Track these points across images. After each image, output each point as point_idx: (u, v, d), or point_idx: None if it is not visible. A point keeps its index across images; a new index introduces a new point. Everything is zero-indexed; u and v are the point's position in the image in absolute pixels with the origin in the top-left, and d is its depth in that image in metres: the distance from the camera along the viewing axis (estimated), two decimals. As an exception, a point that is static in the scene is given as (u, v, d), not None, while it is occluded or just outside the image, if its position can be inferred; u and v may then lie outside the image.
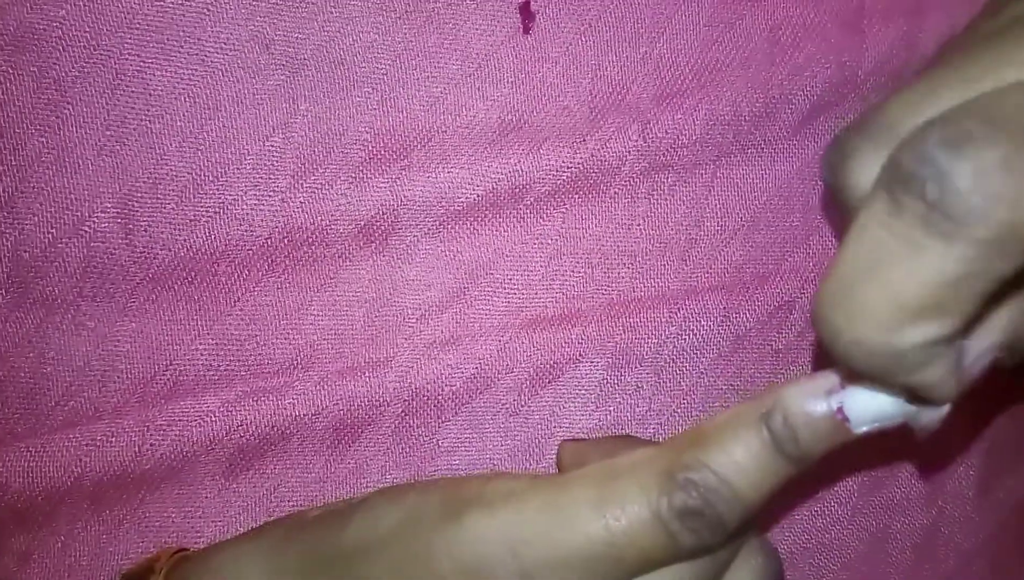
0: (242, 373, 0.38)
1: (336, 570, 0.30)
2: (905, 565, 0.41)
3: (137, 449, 0.37)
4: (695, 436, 0.27)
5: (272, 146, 0.36)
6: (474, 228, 0.37)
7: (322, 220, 0.37)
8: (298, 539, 0.32)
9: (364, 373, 0.38)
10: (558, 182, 0.37)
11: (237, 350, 0.37)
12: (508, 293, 0.38)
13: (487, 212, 0.37)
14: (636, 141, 0.37)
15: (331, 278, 0.37)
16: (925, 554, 0.41)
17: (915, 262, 0.23)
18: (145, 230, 0.36)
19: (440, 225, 0.37)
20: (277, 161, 0.36)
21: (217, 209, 0.36)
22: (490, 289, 0.38)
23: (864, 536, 0.41)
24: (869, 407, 0.26)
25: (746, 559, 0.31)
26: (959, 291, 0.23)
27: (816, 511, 0.40)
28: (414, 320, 0.38)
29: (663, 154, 0.37)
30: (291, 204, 0.36)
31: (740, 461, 0.26)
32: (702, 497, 0.26)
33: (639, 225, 0.38)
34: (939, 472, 0.41)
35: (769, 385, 0.29)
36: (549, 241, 0.38)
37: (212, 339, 0.37)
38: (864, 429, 0.26)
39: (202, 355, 0.37)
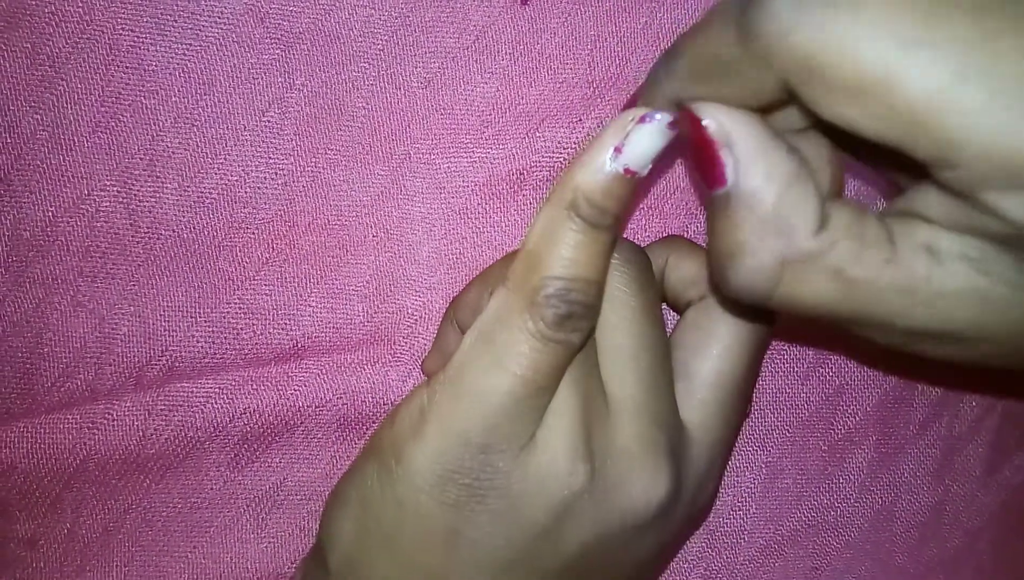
0: (239, 362, 0.36)
1: None
2: (910, 544, 0.39)
3: (141, 434, 0.35)
4: (528, 262, 0.28)
5: (269, 121, 0.34)
6: (477, 227, 0.35)
7: (324, 205, 0.34)
8: None
9: (365, 369, 0.36)
10: (555, 164, 0.35)
11: (234, 339, 0.35)
12: None
13: (488, 205, 0.35)
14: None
15: (332, 270, 0.35)
16: (930, 533, 0.39)
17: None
18: (149, 211, 0.34)
19: (443, 222, 0.35)
20: (275, 139, 0.34)
21: (221, 190, 0.34)
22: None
23: (869, 514, 0.38)
24: (643, 149, 0.27)
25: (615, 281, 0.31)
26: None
27: (824, 487, 0.38)
28: (414, 320, 0.36)
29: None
30: (293, 188, 0.34)
31: (573, 256, 0.28)
32: (564, 301, 0.28)
33: (640, 209, 0.36)
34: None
35: (557, 180, 0.28)
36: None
37: (209, 326, 0.35)
38: (649, 167, 0.28)
39: (198, 342, 0.35)
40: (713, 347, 0.32)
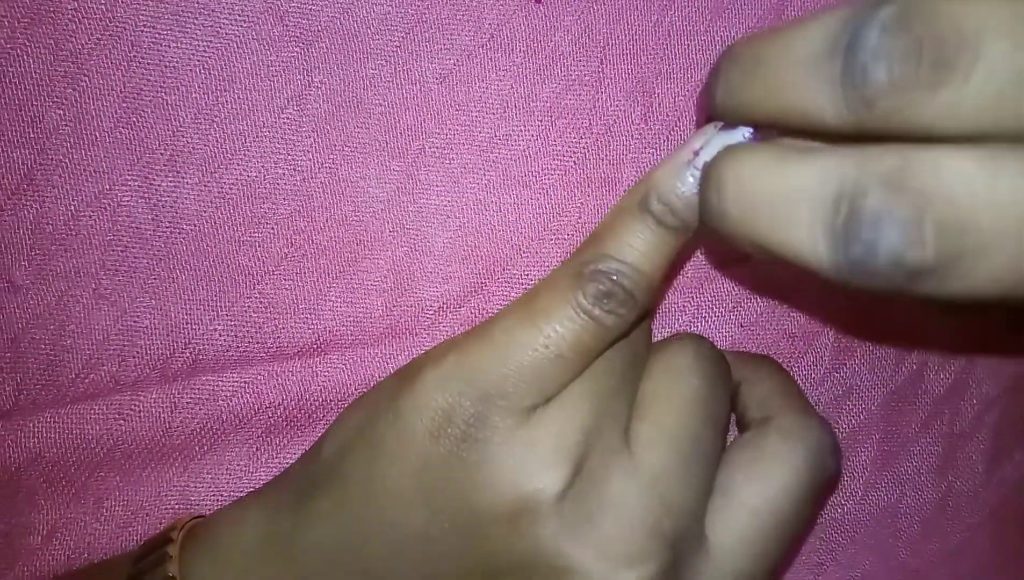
0: (261, 355, 0.33)
1: (322, 484, 0.28)
2: (912, 539, 0.36)
3: (167, 426, 0.33)
4: (591, 238, 0.27)
5: (288, 118, 0.31)
6: (490, 221, 0.33)
7: (341, 200, 0.32)
8: (288, 477, 0.30)
9: (387, 362, 0.33)
10: (566, 162, 0.33)
11: (256, 332, 0.33)
12: (526, 289, 0.33)
13: (502, 199, 0.33)
14: (639, 124, 0.32)
15: (350, 265, 0.33)
16: (933, 528, 0.36)
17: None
18: (170, 205, 0.31)
19: (457, 216, 0.33)
20: (294, 135, 0.31)
21: (241, 185, 0.31)
22: (507, 285, 0.33)
23: (874, 511, 0.36)
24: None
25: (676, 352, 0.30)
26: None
27: (830, 485, 0.35)
28: (432, 311, 0.33)
29: (665, 135, 0.33)
30: (311, 183, 0.32)
31: (632, 243, 0.26)
32: (609, 280, 0.26)
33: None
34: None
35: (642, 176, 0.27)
36: (566, 236, 0.33)
37: (231, 320, 0.33)
38: None
39: (221, 335, 0.33)
40: (766, 470, 0.29)
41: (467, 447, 0.26)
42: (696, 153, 0.26)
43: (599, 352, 0.27)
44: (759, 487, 0.28)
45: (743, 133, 0.25)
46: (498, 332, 0.27)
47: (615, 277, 0.26)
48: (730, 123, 0.25)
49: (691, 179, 0.26)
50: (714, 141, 0.26)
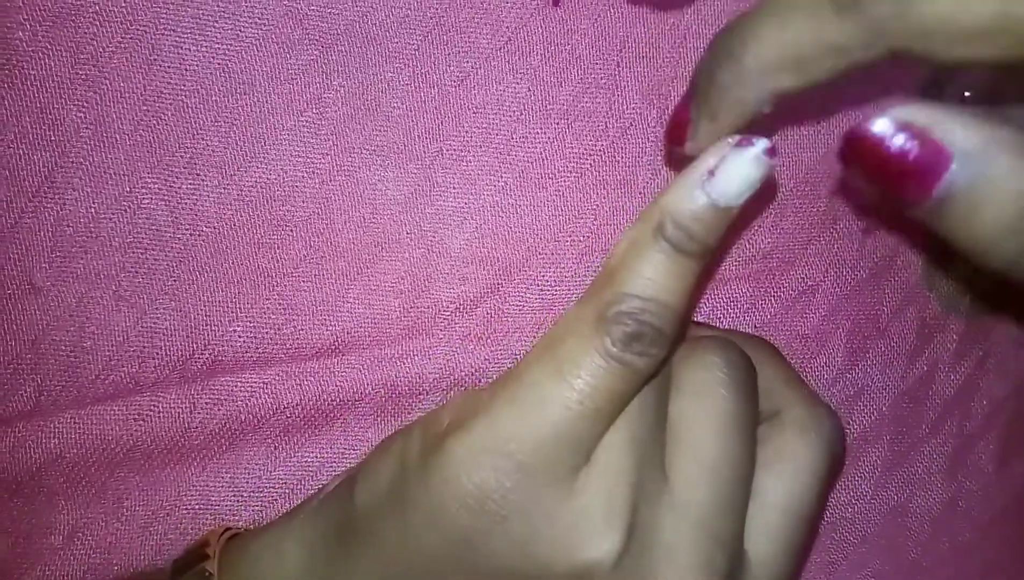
0: (279, 356, 0.32)
1: (358, 534, 0.27)
2: (923, 539, 0.35)
3: (186, 425, 0.32)
4: (606, 275, 0.25)
5: (306, 121, 0.30)
6: (507, 223, 0.32)
7: (359, 203, 0.31)
8: (323, 512, 0.28)
9: (404, 361, 0.32)
10: (582, 165, 0.32)
11: (275, 334, 0.32)
12: (542, 290, 0.33)
13: (519, 201, 0.32)
14: (655, 127, 0.32)
15: (367, 267, 0.32)
16: (943, 527, 0.36)
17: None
18: (189, 208, 0.31)
19: (474, 217, 0.32)
20: (313, 138, 0.30)
21: (260, 188, 0.31)
22: (524, 286, 0.33)
23: (884, 510, 0.35)
24: (738, 180, 0.24)
25: (702, 362, 0.28)
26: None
27: (841, 485, 0.35)
28: (448, 312, 0.32)
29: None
30: (330, 186, 0.31)
31: (652, 277, 0.24)
32: (635, 321, 0.24)
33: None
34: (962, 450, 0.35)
35: (651, 201, 0.25)
36: (581, 238, 0.32)
37: (250, 322, 0.32)
38: (743, 199, 0.24)
39: (240, 337, 0.32)
40: (789, 468, 0.27)
41: (510, 522, 0.24)
42: (711, 172, 0.24)
43: (635, 395, 0.26)
44: (785, 487, 0.27)
45: (761, 147, 0.24)
46: (526, 388, 0.25)
47: (640, 316, 0.24)
48: (746, 138, 0.24)
49: (705, 199, 0.24)
50: (729, 158, 0.24)
